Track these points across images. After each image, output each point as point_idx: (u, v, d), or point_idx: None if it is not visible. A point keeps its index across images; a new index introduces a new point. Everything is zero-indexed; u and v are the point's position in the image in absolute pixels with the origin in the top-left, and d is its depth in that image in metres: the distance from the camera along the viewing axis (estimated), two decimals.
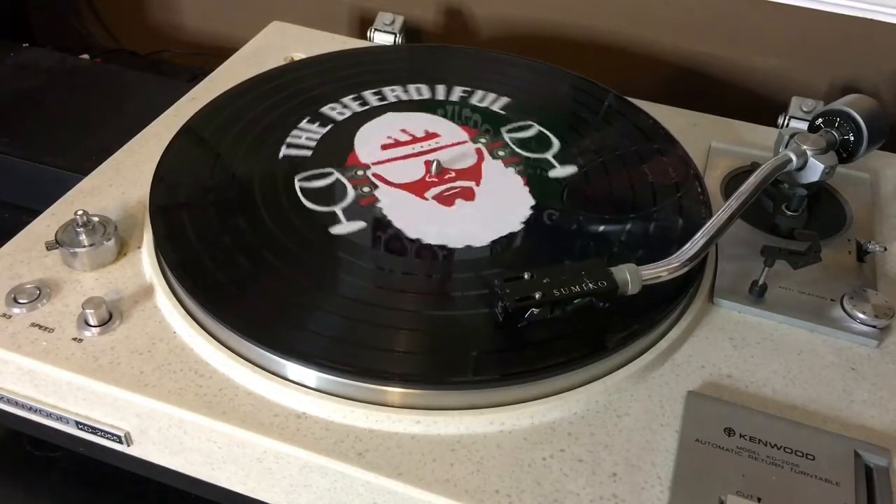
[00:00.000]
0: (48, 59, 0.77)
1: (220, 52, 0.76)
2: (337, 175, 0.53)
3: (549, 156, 0.57)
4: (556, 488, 0.38)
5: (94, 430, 0.43)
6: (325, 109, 0.60)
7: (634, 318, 0.44)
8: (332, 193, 0.52)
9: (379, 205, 0.51)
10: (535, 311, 0.42)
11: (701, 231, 0.46)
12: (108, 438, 0.44)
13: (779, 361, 0.45)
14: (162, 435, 0.42)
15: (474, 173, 0.55)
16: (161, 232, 0.48)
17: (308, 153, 0.55)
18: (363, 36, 0.74)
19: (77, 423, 0.44)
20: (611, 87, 0.64)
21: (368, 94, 0.62)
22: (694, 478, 0.38)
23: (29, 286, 0.46)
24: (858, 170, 0.59)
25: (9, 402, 0.45)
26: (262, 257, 0.47)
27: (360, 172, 0.54)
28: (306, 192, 0.52)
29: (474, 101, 0.62)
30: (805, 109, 0.64)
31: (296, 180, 0.52)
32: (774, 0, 0.71)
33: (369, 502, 0.39)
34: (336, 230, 0.49)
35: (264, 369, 0.42)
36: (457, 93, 0.63)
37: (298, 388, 0.41)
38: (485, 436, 0.40)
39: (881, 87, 0.72)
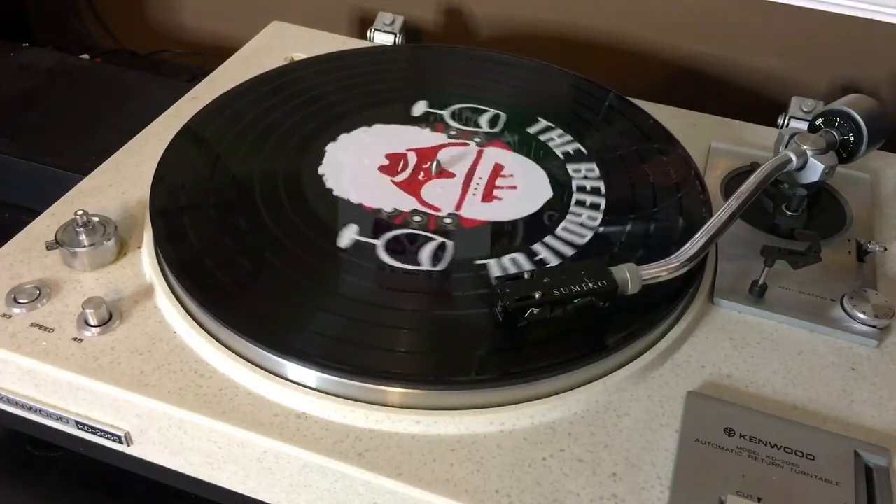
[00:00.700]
0: (48, 59, 0.77)
1: (220, 52, 0.75)
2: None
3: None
4: (556, 488, 0.38)
5: (94, 430, 0.43)
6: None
7: (634, 318, 0.44)
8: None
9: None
10: (535, 310, 0.42)
11: (701, 231, 0.46)
12: (108, 438, 0.44)
13: (779, 361, 0.45)
14: (162, 435, 0.42)
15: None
16: (161, 232, 0.48)
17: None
18: (363, 36, 0.74)
19: (77, 423, 0.44)
20: (611, 87, 0.64)
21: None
22: (694, 478, 0.38)
23: (29, 286, 0.46)
24: (858, 170, 0.59)
25: (9, 402, 0.45)
26: (263, 257, 0.47)
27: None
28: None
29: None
30: (805, 109, 0.64)
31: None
32: (774, 0, 0.71)
33: (369, 502, 0.39)
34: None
35: (264, 369, 0.42)
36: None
37: (298, 388, 0.41)
38: (485, 436, 0.40)
39: (881, 87, 0.72)
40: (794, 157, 0.51)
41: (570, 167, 0.56)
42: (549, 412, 0.41)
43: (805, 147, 0.51)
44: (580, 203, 0.53)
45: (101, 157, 0.56)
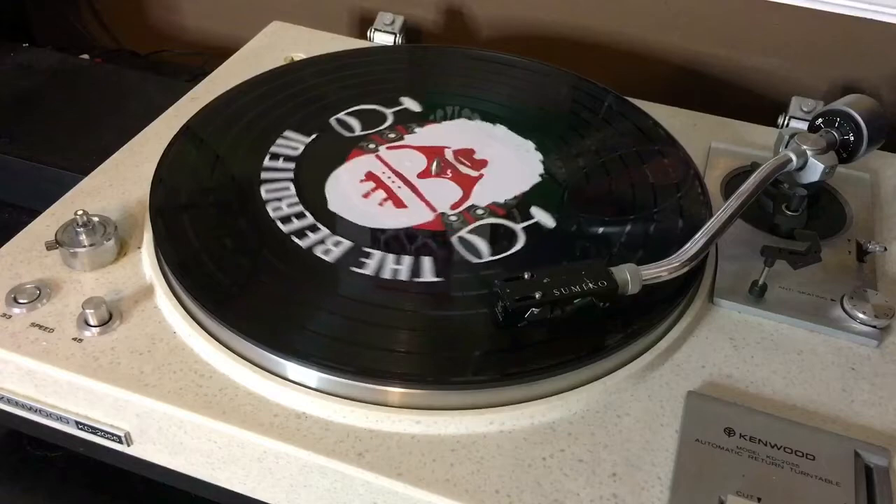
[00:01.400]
0: (48, 59, 0.77)
1: (220, 52, 0.76)
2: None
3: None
4: (556, 488, 0.38)
5: (94, 430, 0.43)
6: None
7: (634, 318, 0.44)
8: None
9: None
10: (535, 310, 0.42)
11: (701, 231, 0.46)
12: (108, 438, 0.44)
13: (779, 361, 0.45)
14: (162, 435, 0.42)
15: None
16: (161, 232, 0.48)
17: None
18: (363, 36, 0.74)
19: (77, 423, 0.44)
20: (611, 87, 0.64)
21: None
22: (694, 478, 0.38)
23: (29, 286, 0.46)
24: (858, 170, 0.58)
25: (9, 402, 0.45)
26: (263, 257, 0.47)
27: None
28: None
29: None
30: (805, 109, 0.64)
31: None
32: (774, 0, 0.71)
33: (369, 502, 0.39)
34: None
35: (264, 369, 0.42)
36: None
37: (298, 388, 0.41)
38: (485, 436, 0.40)
39: (881, 87, 0.72)
40: (794, 157, 0.51)
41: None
42: (548, 412, 0.41)
43: (805, 147, 0.51)
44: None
45: (101, 157, 0.56)
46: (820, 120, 0.54)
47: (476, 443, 0.40)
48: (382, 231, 0.49)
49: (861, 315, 0.46)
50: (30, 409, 0.44)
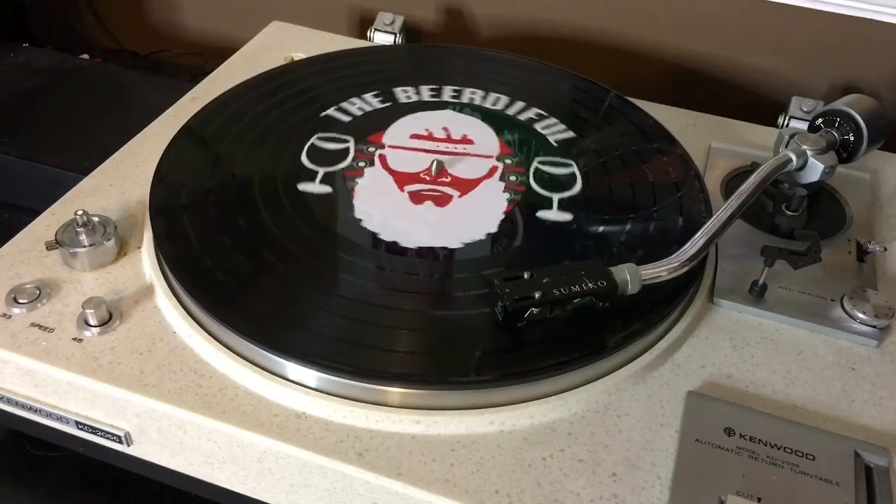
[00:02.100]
0: (48, 59, 0.77)
1: (220, 52, 0.76)
2: (350, 145, 0.55)
3: (555, 197, 0.53)
4: (556, 488, 0.38)
5: (94, 430, 0.43)
6: (397, 90, 0.62)
7: (634, 318, 0.44)
8: (333, 158, 0.54)
9: (358, 180, 0.53)
10: (535, 310, 0.42)
11: (701, 231, 0.46)
12: (108, 438, 0.44)
13: (779, 361, 0.45)
14: (162, 435, 0.42)
15: (467, 185, 0.53)
16: (161, 232, 0.48)
17: (348, 119, 0.58)
18: (363, 36, 0.74)
19: (77, 423, 0.44)
20: (611, 87, 0.64)
21: (447, 88, 0.63)
22: (694, 478, 0.38)
23: (29, 286, 0.46)
24: (858, 170, 0.58)
25: (9, 402, 0.45)
26: (262, 257, 0.47)
27: (370, 149, 0.55)
28: (313, 149, 0.54)
29: (538, 125, 0.60)
30: (805, 109, 0.64)
31: (314, 136, 0.55)
32: (774, 0, 0.71)
33: (369, 502, 0.39)
34: (303, 187, 0.52)
35: (264, 369, 0.42)
36: (521, 109, 0.61)
37: (298, 388, 0.41)
38: (485, 436, 0.40)
39: (881, 87, 0.72)
40: (794, 157, 0.51)
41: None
42: (549, 412, 0.41)
43: (805, 147, 0.51)
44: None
45: (101, 157, 0.56)
46: (820, 120, 0.54)
47: (476, 443, 0.40)
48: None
49: (861, 315, 0.46)
50: (30, 409, 0.44)
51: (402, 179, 0.53)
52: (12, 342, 0.43)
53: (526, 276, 0.43)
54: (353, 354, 0.41)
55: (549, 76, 0.66)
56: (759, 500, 0.37)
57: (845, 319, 0.47)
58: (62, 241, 0.47)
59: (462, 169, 0.55)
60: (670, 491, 0.38)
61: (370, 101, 0.60)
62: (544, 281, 0.42)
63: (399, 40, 0.73)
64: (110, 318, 0.44)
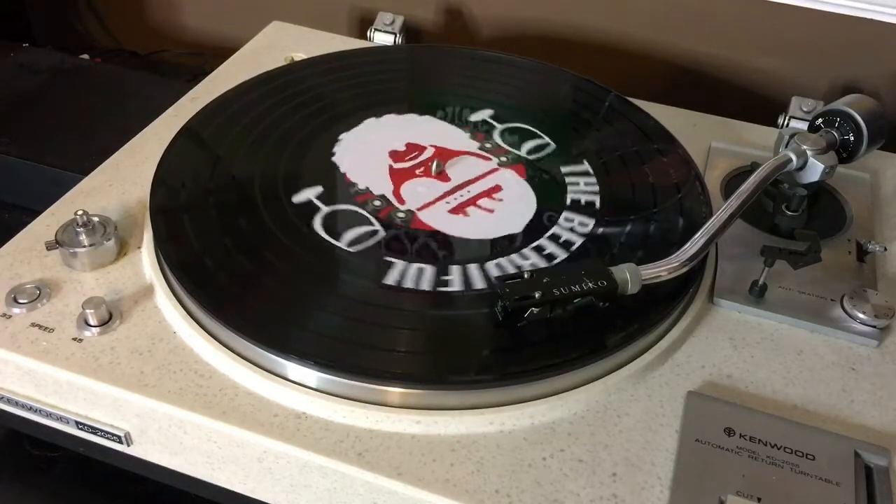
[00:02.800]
0: (48, 59, 0.77)
1: (220, 52, 0.76)
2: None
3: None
4: (556, 488, 0.38)
5: (94, 430, 0.43)
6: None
7: (634, 318, 0.44)
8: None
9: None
10: (535, 310, 0.42)
11: (701, 231, 0.46)
12: (108, 438, 0.44)
13: (779, 361, 0.45)
14: (162, 435, 0.42)
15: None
16: (161, 232, 0.48)
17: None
18: (363, 36, 0.74)
19: (77, 423, 0.44)
20: (611, 87, 0.64)
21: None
22: (694, 478, 0.38)
23: (29, 286, 0.46)
24: (858, 170, 0.59)
25: (9, 402, 0.45)
26: (262, 257, 0.47)
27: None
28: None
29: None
30: (805, 109, 0.64)
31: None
32: (774, 0, 0.71)
33: (369, 502, 0.39)
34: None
35: (264, 369, 0.42)
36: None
37: (298, 388, 0.41)
38: (485, 436, 0.40)
39: (881, 87, 0.72)
40: (794, 157, 0.51)
41: (565, 215, 0.51)
42: (549, 412, 0.41)
43: (805, 147, 0.51)
44: (523, 258, 0.48)
45: (101, 157, 0.56)
46: (820, 120, 0.54)
47: (476, 443, 0.40)
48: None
49: (861, 315, 0.46)
50: (30, 409, 0.44)
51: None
52: (12, 342, 0.43)
53: (526, 275, 0.43)
54: (353, 354, 0.41)
55: (550, 76, 0.66)
56: (759, 500, 0.37)
57: (845, 319, 0.47)
58: (62, 241, 0.47)
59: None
60: (670, 491, 0.38)
61: None
62: (544, 281, 0.42)
63: (399, 40, 0.73)
64: (110, 318, 0.44)
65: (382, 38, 0.73)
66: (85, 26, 0.99)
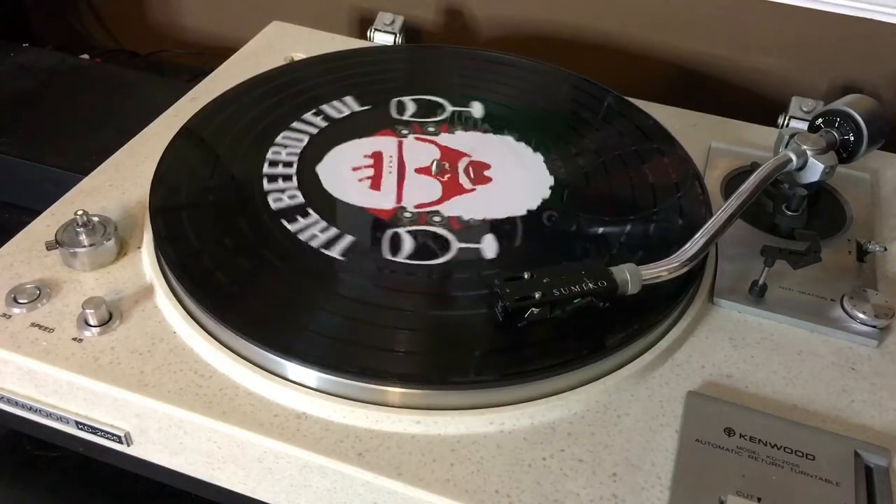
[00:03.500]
0: (48, 59, 0.77)
1: (220, 52, 0.76)
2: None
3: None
4: (556, 488, 0.38)
5: (94, 430, 0.43)
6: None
7: (634, 318, 0.44)
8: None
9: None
10: (535, 310, 0.42)
11: (701, 231, 0.46)
12: (108, 438, 0.44)
13: (779, 361, 0.45)
14: (162, 435, 0.42)
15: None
16: (161, 232, 0.48)
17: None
18: (363, 36, 0.74)
19: (77, 423, 0.44)
20: (611, 87, 0.64)
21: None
22: (694, 478, 0.38)
23: (29, 286, 0.46)
24: (858, 170, 0.59)
25: (9, 402, 0.45)
26: (262, 257, 0.47)
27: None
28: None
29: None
30: (805, 109, 0.64)
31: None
32: (774, 0, 0.71)
33: (369, 502, 0.39)
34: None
35: (264, 369, 0.42)
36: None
37: (298, 388, 0.41)
38: (485, 436, 0.40)
39: (881, 87, 0.72)
40: (794, 157, 0.51)
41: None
42: (549, 412, 0.41)
43: (805, 147, 0.51)
44: None
45: (101, 157, 0.56)
46: (820, 120, 0.54)
47: (476, 443, 0.40)
48: (336, 201, 0.51)
49: (861, 315, 0.46)
50: (30, 409, 0.44)
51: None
52: (12, 342, 0.43)
53: (526, 276, 0.43)
54: (353, 354, 0.41)
55: (549, 76, 0.66)
56: (759, 500, 0.37)
57: (845, 319, 0.47)
58: (62, 241, 0.47)
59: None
60: (670, 491, 0.38)
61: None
62: (544, 281, 0.42)
63: (399, 40, 0.73)
64: (110, 318, 0.44)
65: (382, 38, 0.73)
66: (85, 26, 0.99)
